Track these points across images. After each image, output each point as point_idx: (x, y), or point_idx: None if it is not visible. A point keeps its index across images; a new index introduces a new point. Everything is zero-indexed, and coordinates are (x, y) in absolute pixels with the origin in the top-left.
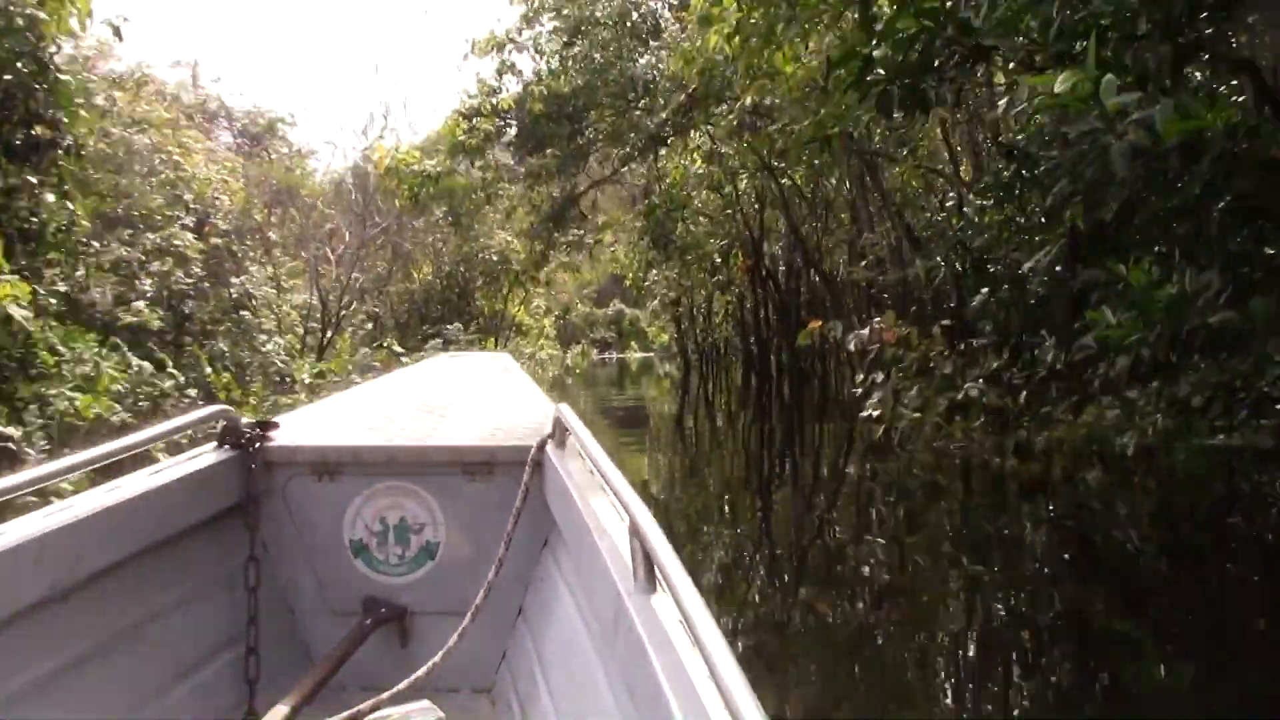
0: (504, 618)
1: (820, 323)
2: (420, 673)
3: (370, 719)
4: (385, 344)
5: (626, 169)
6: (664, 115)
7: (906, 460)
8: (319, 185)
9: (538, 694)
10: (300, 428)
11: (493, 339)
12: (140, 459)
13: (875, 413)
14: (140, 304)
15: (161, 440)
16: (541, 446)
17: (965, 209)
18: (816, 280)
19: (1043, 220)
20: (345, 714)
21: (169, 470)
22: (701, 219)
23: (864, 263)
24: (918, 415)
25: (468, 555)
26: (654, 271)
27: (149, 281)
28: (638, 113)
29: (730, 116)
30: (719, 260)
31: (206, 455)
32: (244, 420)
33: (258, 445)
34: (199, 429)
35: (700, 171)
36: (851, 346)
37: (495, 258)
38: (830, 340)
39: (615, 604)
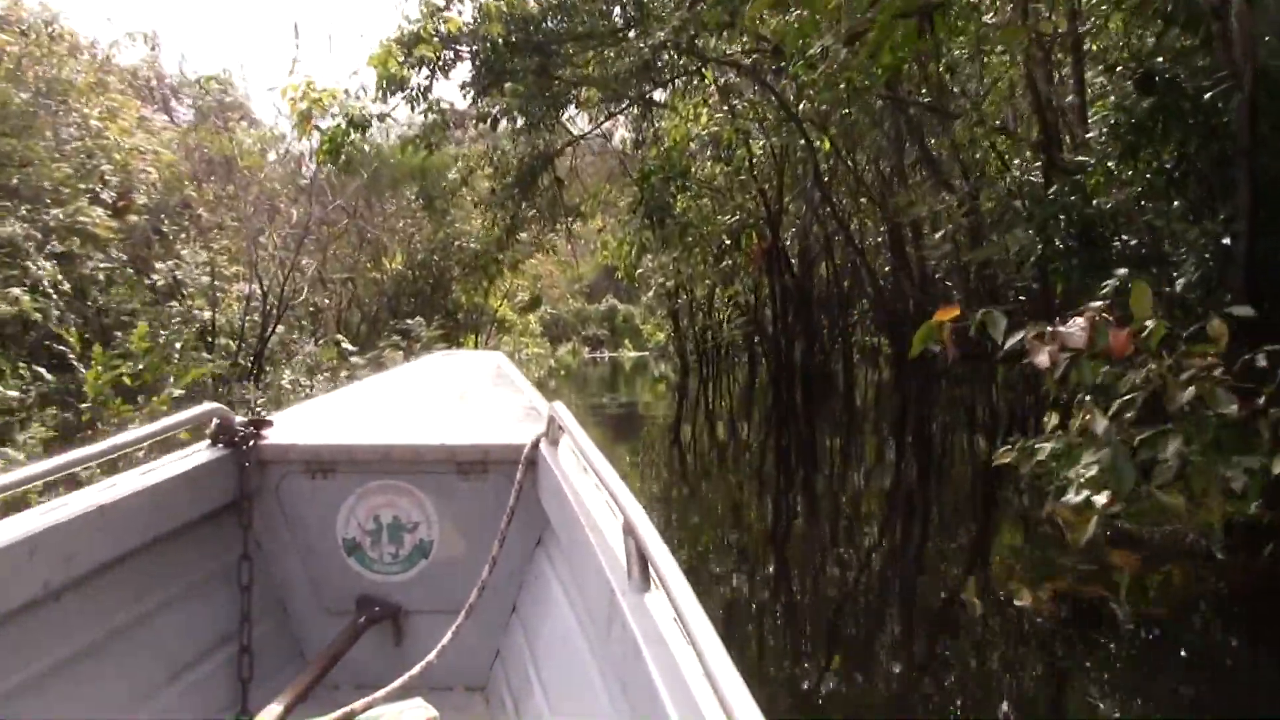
0: (498, 616)
1: (956, 312)
2: (414, 671)
3: (363, 717)
4: (333, 341)
5: (614, 124)
6: (660, 37)
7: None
8: (260, 154)
9: (531, 692)
10: (294, 426)
11: (472, 336)
12: (125, 457)
13: (1022, 464)
14: (18, 291)
15: (153, 440)
16: (535, 445)
17: (1072, 167)
18: (852, 266)
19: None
20: (339, 712)
21: (162, 469)
22: (706, 194)
23: (940, 235)
24: (1149, 491)
25: (461, 554)
26: (649, 257)
27: (46, 265)
28: (626, 42)
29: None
30: (726, 243)
31: (200, 454)
32: (238, 418)
33: (251, 443)
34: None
35: (705, 134)
36: (1043, 360)
37: (474, 245)
38: (948, 341)
39: (609, 602)
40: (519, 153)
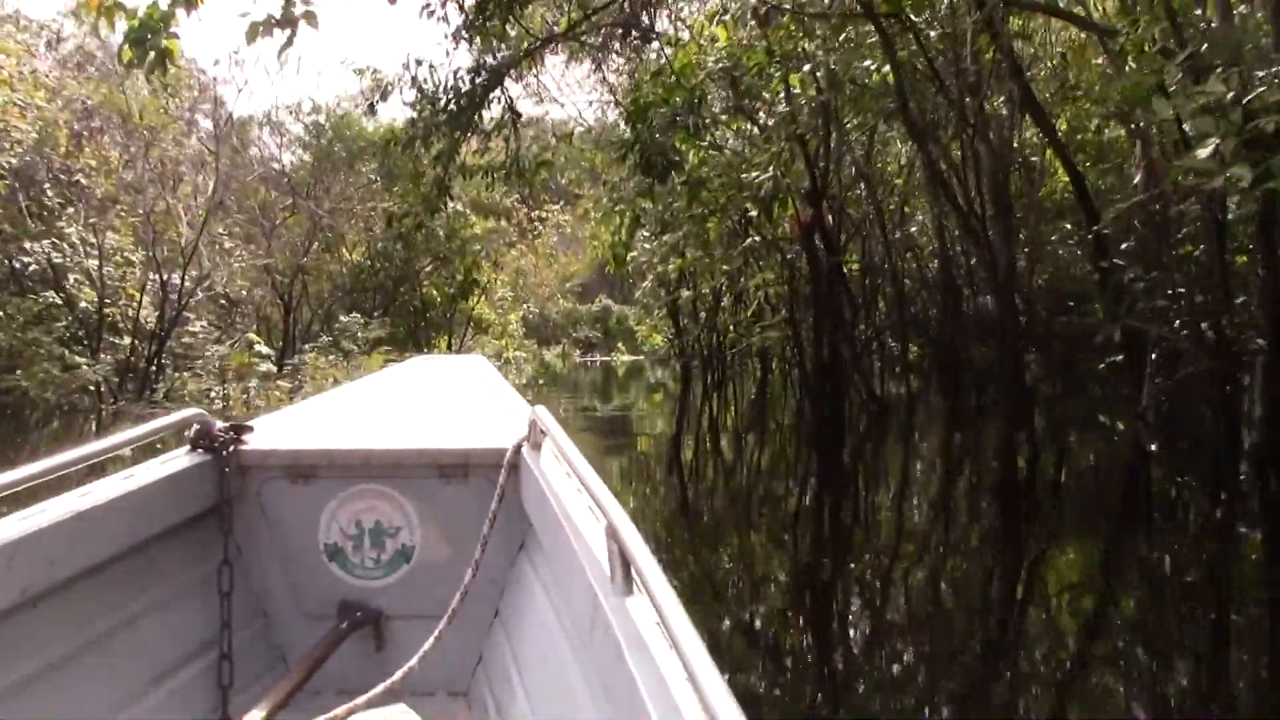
0: (480, 621)
1: None
2: (396, 677)
3: None
4: (246, 344)
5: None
6: None
7: None
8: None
9: (514, 697)
10: (274, 431)
11: (444, 338)
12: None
13: None
14: None
15: (132, 445)
16: (518, 449)
17: None
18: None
19: None
20: (321, 718)
21: (142, 474)
22: (726, 143)
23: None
24: None
25: (443, 558)
26: (643, 234)
27: None
28: None
29: None
30: (752, 214)
31: (180, 459)
32: (218, 424)
33: (231, 449)
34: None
35: (723, 57)
36: None
37: (443, 233)
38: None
39: (592, 606)
40: (452, 66)
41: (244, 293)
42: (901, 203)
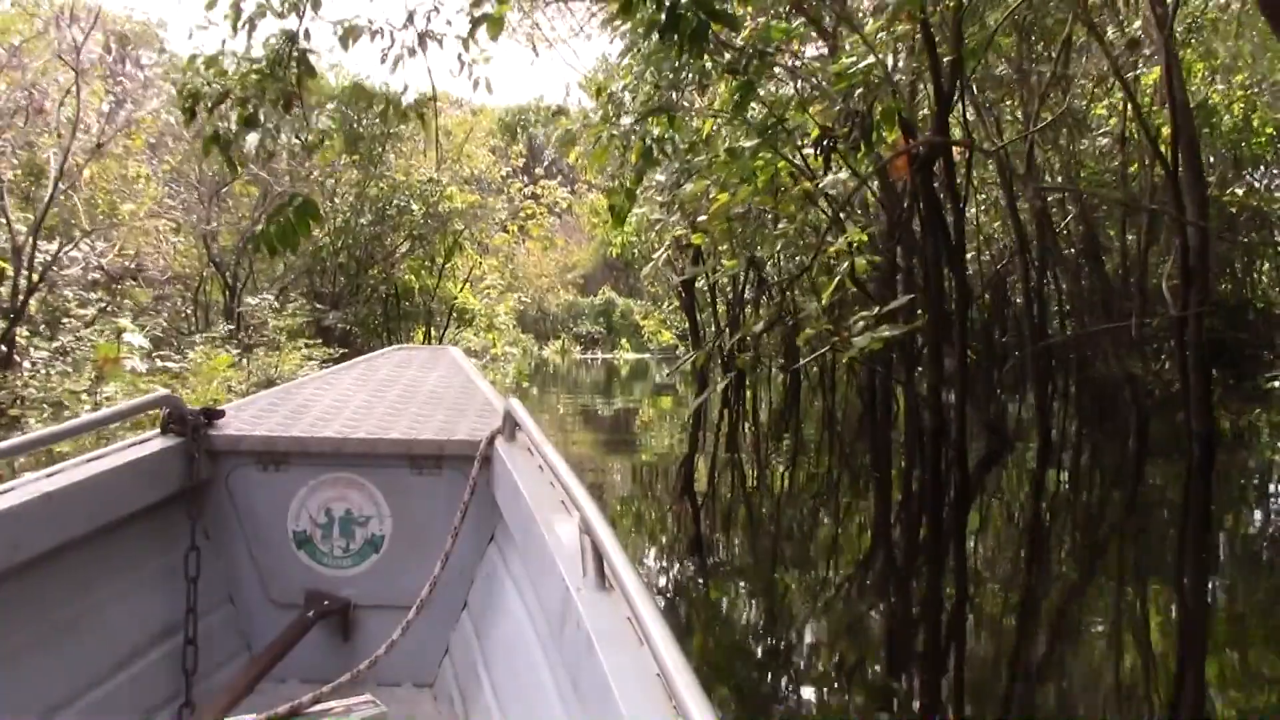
0: (448, 612)
1: None
2: (362, 666)
3: (311, 711)
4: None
5: None
6: None
7: None
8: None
9: (480, 689)
10: (246, 416)
11: (420, 329)
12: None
13: None
14: None
15: (102, 426)
16: (491, 441)
17: None
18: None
19: None
20: (285, 707)
21: (110, 457)
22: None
23: None
24: None
25: (413, 549)
26: (659, 179)
27: None
28: None
29: None
30: (832, 146)
31: (150, 442)
32: (189, 407)
33: (201, 433)
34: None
35: None
36: None
37: (418, 207)
38: None
39: (563, 600)
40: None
41: (169, 270)
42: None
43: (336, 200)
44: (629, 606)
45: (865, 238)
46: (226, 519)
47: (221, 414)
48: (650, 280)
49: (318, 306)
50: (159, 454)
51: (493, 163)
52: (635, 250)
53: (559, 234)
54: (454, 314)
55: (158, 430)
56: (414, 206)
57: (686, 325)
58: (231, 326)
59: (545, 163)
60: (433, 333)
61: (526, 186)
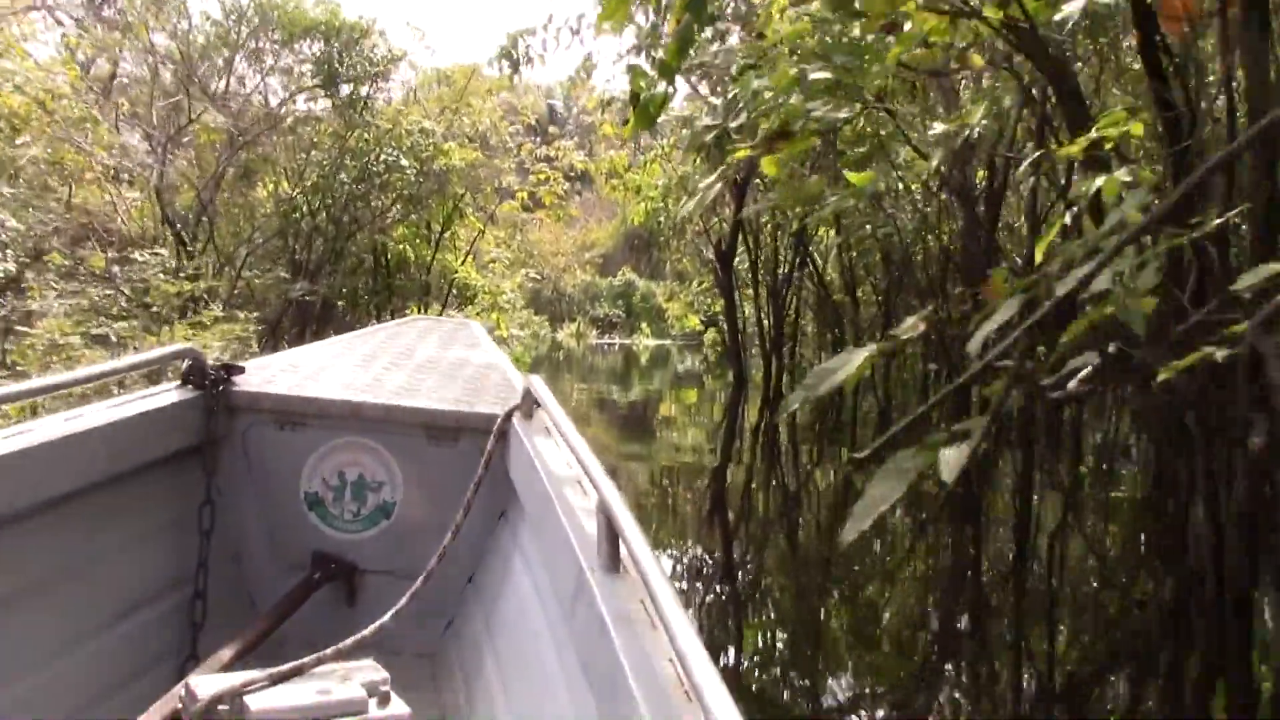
0: (454, 585)
1: None
2: (366, 632)
3: (314, 673)
4: None
5: None
6: None
7: None
8: None
9: (482, 663)
10: (266, 375)
11: (415, 309)
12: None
13: None
14: None
15: (122, 374)
16: (508, 417)
17: None
18: None
19: None
20: (287, 666)
21: (130, 405)
22: None
23: None
24: None
25: (423, 519)
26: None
27: None
28: None
29: None
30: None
31: (169, 393)
32: (210, 361)
33: (221, 388)
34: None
35: None
36: None
37: (412, 164)
38: None
39: (576, 580)
40: None
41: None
42: None
43: (314, 153)
44: (644, 589)
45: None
46: (240, 475)
47: (242, 370)
48: (678, 254)
49: (282, 276)
50: (177, 405)
51: (499, 117)
52: (661, 218)
53: (576, 209)
54: (453, 290)
55: (179, 381)
56: (404, 162)
57: (716, 309)
58: (116, 291)
59: (565, 131)
60: (429, 310)
61: (539, 148)
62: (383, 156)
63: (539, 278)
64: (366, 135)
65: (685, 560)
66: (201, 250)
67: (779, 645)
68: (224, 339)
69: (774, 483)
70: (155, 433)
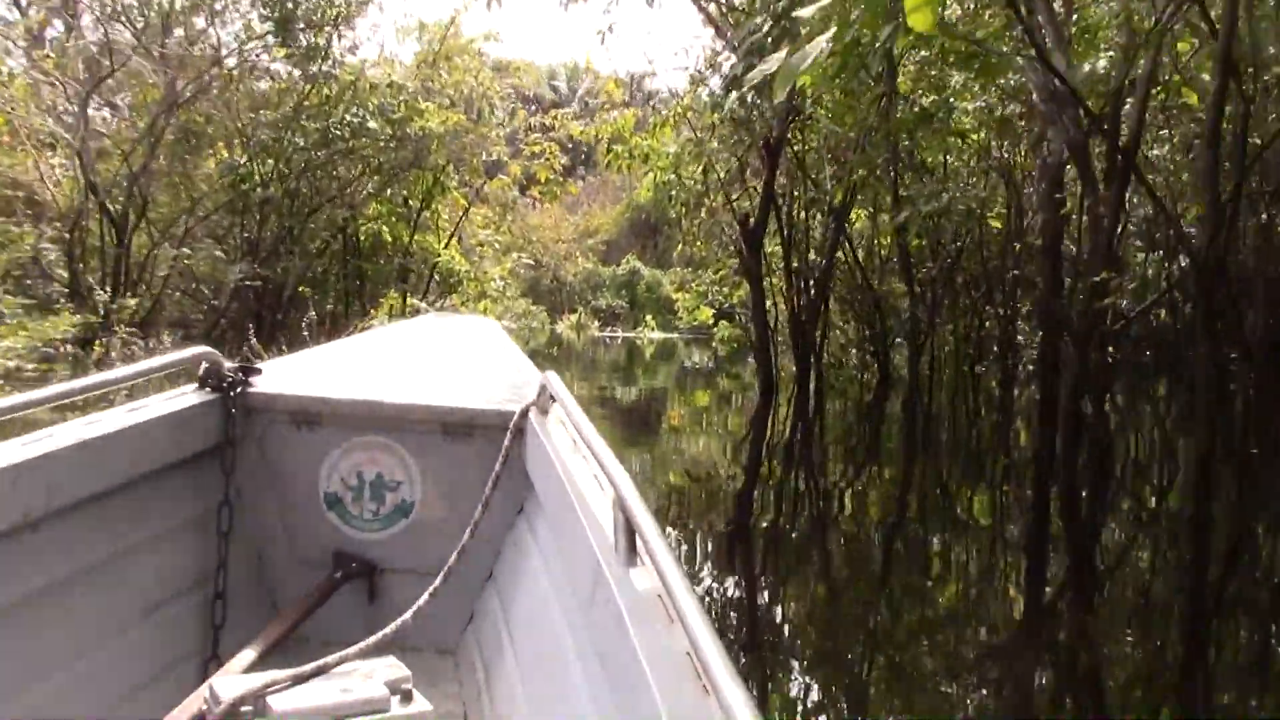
0: (474, 581)
1: None
2: (387, 630)
3: (336, 672)
4: None
5: None
6: None
7: None
8: None
9: (504, 659)
10: (283, 375)
11: (390, 300)
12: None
13: None
14: None
15: (140, 378)
16: (525, 413)
17: None
18: None
19: None
20: (310, 665)
21: (148, 408)
22: None
23: None
24: None
25: (442, 516)
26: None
27: None
28: None
29: None
30: None
31: (187, 396)
32: (227, 363)
33: (239, 389)
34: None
35: None
36: None
37: (383, 127)
38: None
39: (594, 574)
40: None
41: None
42: None
43: (264, 113)
44: (661, 582)
45: None
46: (258, 476)
47: (259, 371)
48: (691, 235)
49: (217, 254)
50: (195, 408)
51: (488, 79)
52: (673, 192)
53: (575, 187)
54: (434, 276)
55: (196, 384)
56: (372, 124)
57: (735, 299)
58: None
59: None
60: (408, 301)
61: (534, 115)
62: (346, 117)
63: (534, 264)
64: (327, 91)
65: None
66: (135, 225)
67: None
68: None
69: (809, 512)
70: (174, 435)
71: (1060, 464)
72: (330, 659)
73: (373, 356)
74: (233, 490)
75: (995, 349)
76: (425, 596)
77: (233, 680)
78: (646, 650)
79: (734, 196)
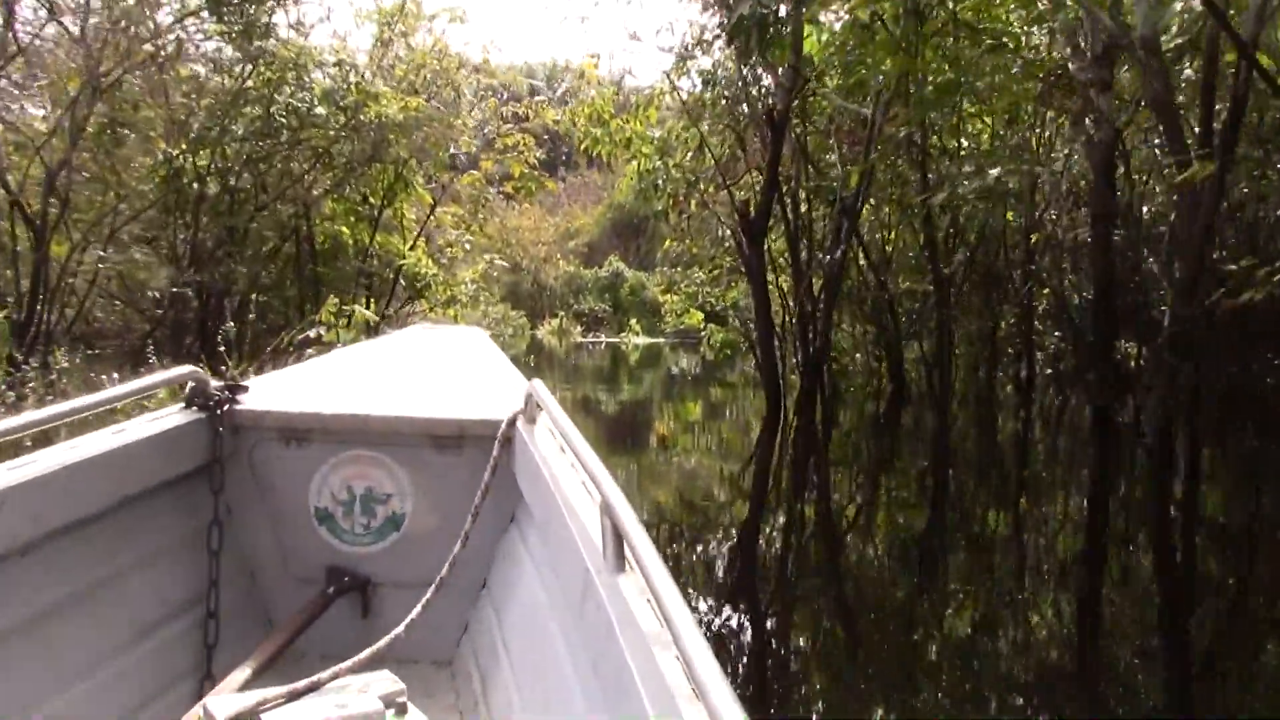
0: (467, 592)
1: None
2: (381, 644)
3: (330, 687)
4: None
5: None
6: None
7: None
8: None
9: (499, 668)
10: (270, 392)
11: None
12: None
13: None
14: None
15: (128, 399)
16: (513, 422)
17: None
18: None
19: None
20: (304, 681)
21: (134, 429)
22: None
23: None
24: None
25: (433, 528)
26: None
27: None
28: None
29: None
30: None
31: (173, 416)
32: (213, 382)
33: (226, 408)
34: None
35: None
36: None
37: (333, 114)
38: None
39: (583, 581)
40: None
41: None
42: None
43: (200, 99)
44: (650, 588)
45: None
46: (249, 494)
47: (245, 389)
48: (679, 231)
49: (135, 258)
50: (183, 428)
51: (454, 64)
52: (659, 180)
53: (553, 183)
54: (399, 281)
55: (182, 404)
56: (320, 110)
57: (729, 299)
58: None
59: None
60: (372, 306)
61: (504, 105)
62: (290, 102)
63: (511, 266)
64: (269, 74)
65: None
66: (54, 226)
67: None
68: None
69: (822, 548)
70: (161, 456)
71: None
72: (324, 674)
73: (360, 370)
74: (223, 508)
75: (1010, 351)
76: (418, 608)
77: (227, 699)
78: (636, 656)
79: (731, 181)
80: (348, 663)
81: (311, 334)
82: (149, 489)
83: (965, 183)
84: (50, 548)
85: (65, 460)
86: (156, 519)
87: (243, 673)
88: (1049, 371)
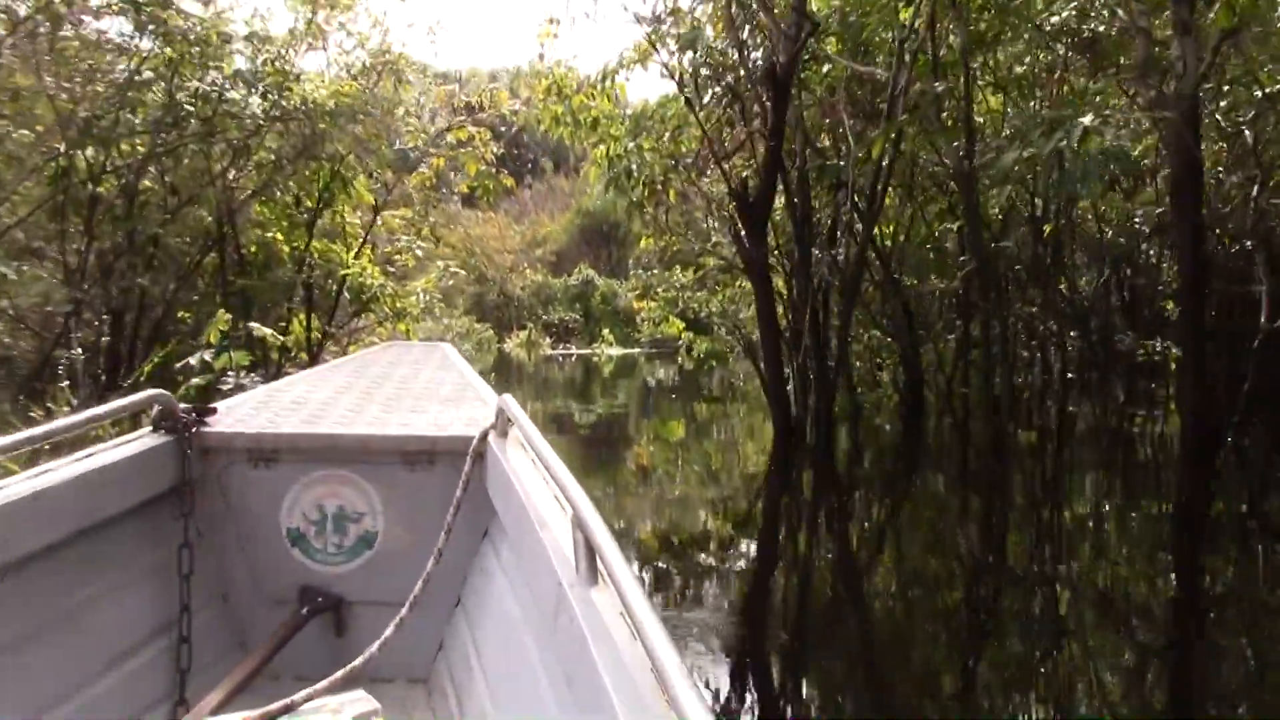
0: (442, 608)
1: None
2: (356, 663)
3: (305, 709)
4: None
5: None
6: None
7: None
8: None
9: (474, 684)
10: (238, 414)
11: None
12: (72, 442)
13: None
14: None
15: (95, 424)
16: (484, 437)
17: None
18: None
19: None
20: (279, 704)
21: (102, 454)
22: None
23: None
24: None
25: (406, 545)
26: None
27: None
28: None
29: None
30: None
31: (141, 440)
32: (180, 405)
33: (194, 430)
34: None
35: None
36: None
37: (241, 95)
38: None
39: (556, 595)
40: None
41: None
42: None
43: (97, 84)
44: (622, 602)
45: None
46: (219, 516)
47: (213, 411)
48: (660, 226)
49: (22, 267)
50: (150, 451)
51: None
52: (633, 167)
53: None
54: (342, 293)
55: (150, 428)
56: (233, 94)
57: (715, 305)
58: None
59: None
60: (313, 323)
61: (454, 96)
62: (197, 85)
63: (473, 277)
64: (171, 53)
65: None
66: None
67: None
68: None
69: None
70: (129, 481)
71: None
72: (298, 697)
73: (328, 389)
74: (193, 532)
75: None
76: (393, 627)
77: None
78: (609, 668)
79: (724, 156)
80: (323, 683)
81: (193, 361)
82: (118, 514)
83: (1039, 142)
84: (18, 575)
85: (32, 487)
86: (126, 544)
87: (216, 696)
88: (1070, 376)
